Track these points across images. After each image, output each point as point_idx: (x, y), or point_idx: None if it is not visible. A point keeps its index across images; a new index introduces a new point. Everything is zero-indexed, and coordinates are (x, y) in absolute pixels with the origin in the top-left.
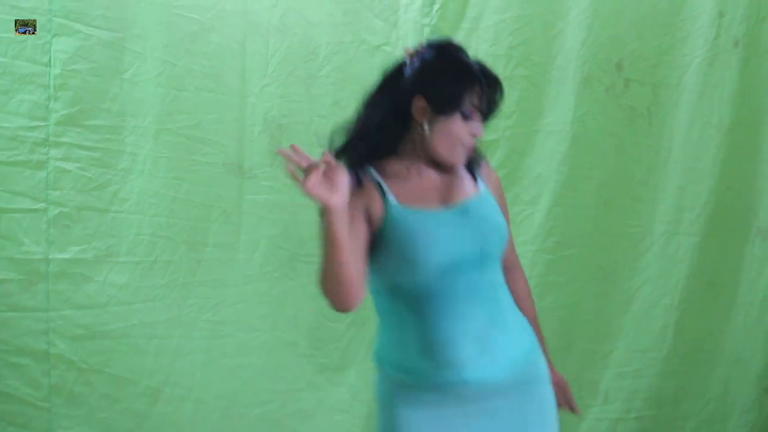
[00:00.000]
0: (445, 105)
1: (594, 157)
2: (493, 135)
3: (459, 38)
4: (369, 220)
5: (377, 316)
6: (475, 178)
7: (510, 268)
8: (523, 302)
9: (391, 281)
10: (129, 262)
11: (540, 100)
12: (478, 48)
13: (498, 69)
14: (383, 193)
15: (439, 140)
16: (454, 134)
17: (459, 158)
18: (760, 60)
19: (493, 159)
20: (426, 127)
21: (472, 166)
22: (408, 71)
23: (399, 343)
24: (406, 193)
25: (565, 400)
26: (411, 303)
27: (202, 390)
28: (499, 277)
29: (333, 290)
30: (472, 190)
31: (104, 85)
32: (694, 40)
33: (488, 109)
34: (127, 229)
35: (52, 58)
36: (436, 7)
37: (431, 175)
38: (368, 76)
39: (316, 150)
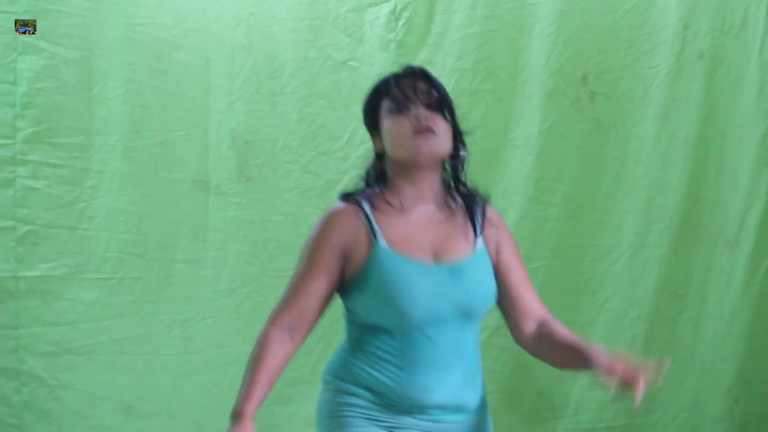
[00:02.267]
0: (371, 121)
1: (560, 170)
2: None
3: (424, 53)
4: (347, 260)
5: (346, 339)
6: (475, 231)
7: (546, 323)
8: (570, 337)
9: (370, 320)
10: (98, 279)
11: (506, 114)
12: (444, 63)
13: (464, 84)
14: (374, 233)
15: (390, 147)
16: (394, 131)
17: (418, 146)
18: (726, 72)
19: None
20: (383, 151)
21: (475, 214)
22: None
23: (369, 370)
24: (398, 238)
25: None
26: (391, 344)
27: (173, 406)
28: (477, 335)
29: None
30: (468, 249)
31: (71, 103)
32: (660, 53)
33: (418, 93)
34: (95, 247)
35: (17, 77)
36: (401, 22)
37: (429, 218)
38: (334, 92)
39: (281, 164)
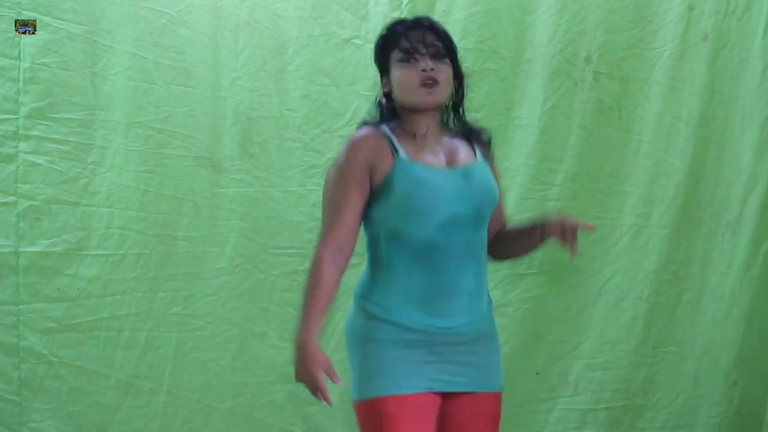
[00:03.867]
0: (382, 65)
1: (563, 150)
2: None
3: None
4: (372, 173)
5: (369, 260)
6: (474, 151)
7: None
8: (519, 223)
9: (393, 229)
10: (99, 255)
11: (509, 93)
12: None
13: (467, 63)
14: (395, 149)
15: (398, 93)
16: (403, 80)
17: (423, 97)
18: (729, 54)
19: None
20: (391, 93)
21: (473, 140)
22: None
23: (393, 288)
24: (415, 152)
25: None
26: (412, 253)
27: (173, 383)
28: (485, 239)
29: None
30: (472, 157)
31: (74, 78)
32: (664, 34)
33: (425, 45)
34: (97, 223)
35: (21, 52)
36: (405, 0)
37: (436, 139)
38: (337, 69)
39: (284, 142)
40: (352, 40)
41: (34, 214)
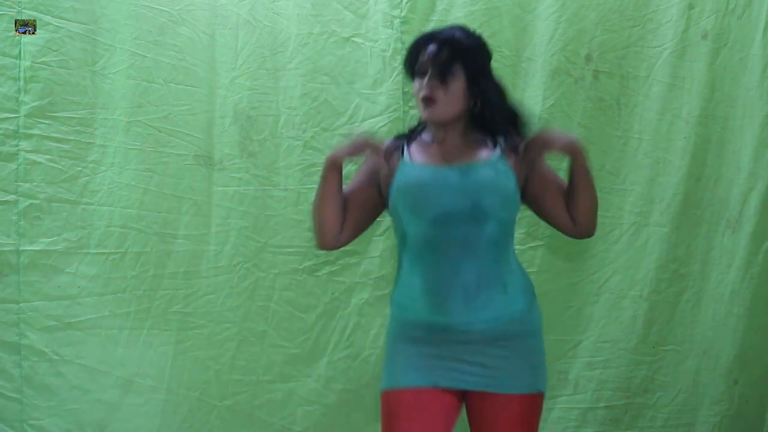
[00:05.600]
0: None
1: None
2: None
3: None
4: (381, 178)
5: (397, 264)
6: (496, 146)
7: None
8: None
9: (401, 230)
10: (100, 253)
11: (509, 91)
12: None
13: None
14: (402, 156)
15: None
16: (415, 94)
17: (423, 113)
18: (729, 52)
19: None
20: None
21: (500, 138)
22: None
23: (403, 286)
24: (419, 154)
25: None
26: (413, 250)
27: (173, 381)
28: (504, 239)
29: (314, 226)
30: (484, 156)
31: (74, 77)
32: (664, 32)
33: (432, 62)
34: (97, 221)
35: (21, 51)
36: None
37: (454, 141)
38: (337, 67)
39: (283, 140)
40: (352, 39)
41: (35, 212)
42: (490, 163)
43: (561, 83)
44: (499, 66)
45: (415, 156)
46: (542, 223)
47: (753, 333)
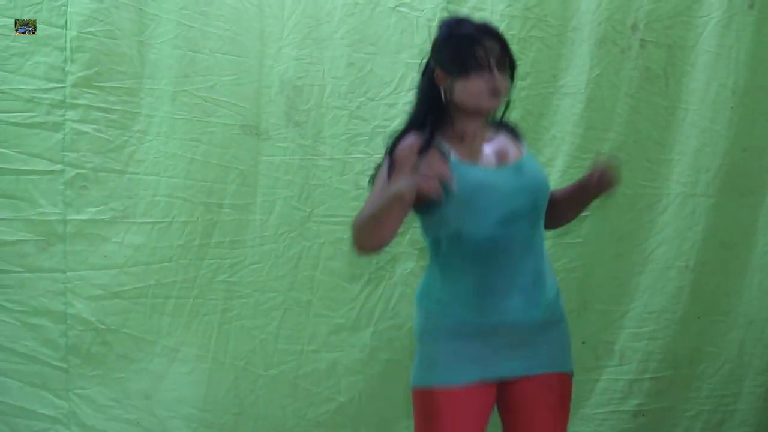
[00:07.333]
0: (453, 69)
1: (609, 118)
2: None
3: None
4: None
5: (430, 263)
6: (520, 144)
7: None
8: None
9: (455, 231)
10: (146, 223)
11: (555, 61)
12: (494, 9)
13: (513, 30)
14: (446, 154)
15: (462, 98)
16: (472, 89)
17: (488, 106)
18: None
19: None
20: (447, 90)
21: (517, 135)
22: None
23: (451, 285)
24: (466, 153)
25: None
26: (471, 251)
27: (218, 350)
28: (543, 231)
29: (361, 238)
30: (520, 152)
31: (120, 47)
32: (710, 2)
33: (498, 60)
34: (143, 191)
35: (68, 21)
36: None
37: (483, 138)
38: (383, 37)
39: (329, 110)
40: (397, 8)
41: (81, 182)
42: (529, 156)
43: (607, 53)
44: (545, 35)
45: (458, 152)
46: None
47: None
